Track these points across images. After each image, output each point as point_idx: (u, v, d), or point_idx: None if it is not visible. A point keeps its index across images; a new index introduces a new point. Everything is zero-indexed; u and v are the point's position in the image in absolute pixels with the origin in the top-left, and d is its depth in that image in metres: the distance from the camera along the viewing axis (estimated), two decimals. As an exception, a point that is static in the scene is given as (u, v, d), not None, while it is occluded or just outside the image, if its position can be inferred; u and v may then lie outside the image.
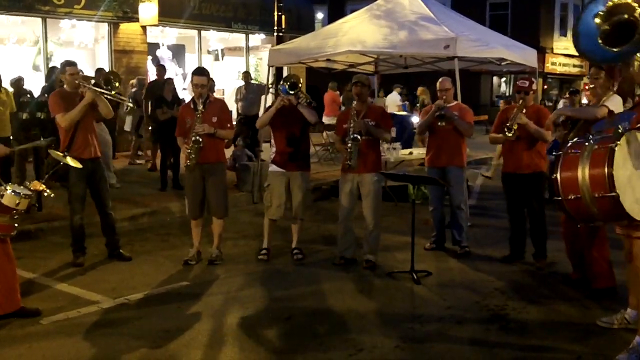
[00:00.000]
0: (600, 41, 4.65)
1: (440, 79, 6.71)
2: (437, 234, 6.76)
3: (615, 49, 4.52)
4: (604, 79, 5.14)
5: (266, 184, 6.54)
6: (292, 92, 6.07)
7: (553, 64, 28.65)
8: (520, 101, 5.92)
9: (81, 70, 6.26)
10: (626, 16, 4.58)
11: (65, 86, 6.11)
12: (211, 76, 12.67)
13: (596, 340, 4.37)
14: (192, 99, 6.18)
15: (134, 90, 12.25)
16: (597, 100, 5.27)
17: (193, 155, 5.93)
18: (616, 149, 3.68)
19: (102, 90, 6.00)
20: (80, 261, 6.12)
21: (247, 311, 4.98)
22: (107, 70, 12.45)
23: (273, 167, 6.43)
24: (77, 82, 5.94)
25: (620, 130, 3.77)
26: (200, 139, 5.88)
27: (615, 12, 4.65)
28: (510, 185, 6.20)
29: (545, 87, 26.10)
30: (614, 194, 3.65)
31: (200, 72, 6.24)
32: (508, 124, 5.87)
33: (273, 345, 4.34)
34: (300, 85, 6.15)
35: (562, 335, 4.49)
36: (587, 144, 3.91)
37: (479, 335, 4.52)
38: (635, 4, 4.55)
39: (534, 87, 6.16)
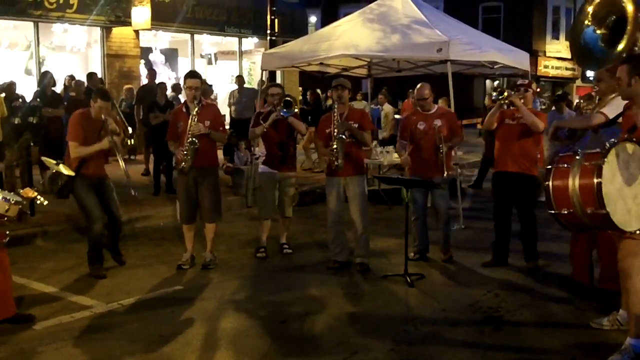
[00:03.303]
0: (603, 44, 4.66)
1: (418, 85, 6.47)
2: (420, 243, 6.52)
3: (613, 49, 4.53)
4: (607, 80, 4.94)
5: (257, 185, 6.70)
6: (291, 112, 6.41)
7: (545, 67, 28.79)
8: (521, 98, 5.93)
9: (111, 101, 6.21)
10: (614, 17, 4.61)
11: (92, 111, 5.89)
12: (204, 79, 12.72)
13: (589, 342, 4.39)
14: (184, 103, 6.20)
15: (122, 99, 12.27)
16: (602, 102, 5.06)
17: (189, 157, 5.92)
18: (604, 165, 3.69)
19: (117, 145, 5.90)
20: (101, 273, 5.91)
21: (241, 315, 4.98)
22: (99, 75, 12.41)
23: (264, 169, 6.67)
24: (102, 116, 5.80)
25: (607, 146, 3.77)
26: (197, 140, 5.89)
27: (602, 16, 4.68)
28: (501, 185, 6.17)
29: (538, 90, 26.20)
30: (604, 211, 3.68)
31: (193, 74, 6.29)
32: (502, 95, 5.92)
33: (267, 349, 4.33)
34: (294, 104, 6.52)
35: (556, 337, 4.50)
36: (577, 157, 3.92)
37: (473, 337, 4.53)
38: None
39: (533, 86, 6.22)
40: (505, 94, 5.91)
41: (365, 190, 6.27)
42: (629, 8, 4.51)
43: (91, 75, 11.15)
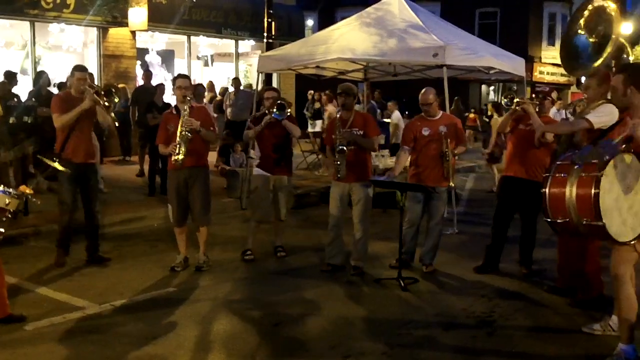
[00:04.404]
0: (592, 52, 4.72)
1: (422, 90, 6.25)
2: (406, 251, 6.21)
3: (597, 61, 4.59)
4: (595, 87, 4.95)
5: (252, 187, 6.74)
6: (284, 115, 6.33)
7: (541, 72, 28.86)
8: (537, 105, 5.90)
9: (90, 74, 6.40)
10: (601, 27, 4.68)
11: (72, 90, 6.20)
12: (200, 82, 12.72)
13: (581, 347, 4.40)
14: (175, 106, 6.23)
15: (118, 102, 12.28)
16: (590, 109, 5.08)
17: (183, 149, 5.89)
18: (602, 178, 3.70)
19: (99, 99, 6.02)
20: (62, 261, 6.21)
21: (235, 317, 4.97)
22: (95, 75, 12.40)
23: (258, 171, 6.66)
24: (82, 87, 6.05)
25: (606, 158, 3.76)
26: (190, 134, 5.89)
27: (592, 25, 4.75)
28: (508, 189, 6.13)
29: (533, 95, 26.33)
30: (600, 223, 3.70)
31: (183, 75, 6.52)
32: (512, 102, 5.90)
33: (260, 352, 4.33)
34: (287, 107, 6.46)
35: (548, 342, 4.51)
36: (575, 167, 3.92)
37: (466, 341, 4.54)
38: (608, 5, 4.59)
39: (553, 95, 6.19)
40: (516, 100, 5.89)
41: (370, 196, 6.17)
42: (614, 28, 4.58)
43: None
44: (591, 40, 4.79)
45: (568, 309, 5.17)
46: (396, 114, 13.66)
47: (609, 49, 4.61)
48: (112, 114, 6.41)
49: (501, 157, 11.69)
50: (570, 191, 3.86)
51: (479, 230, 7.96)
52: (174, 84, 6.26)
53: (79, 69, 6.24)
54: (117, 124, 6.66)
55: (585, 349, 4.36)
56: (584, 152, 4.22)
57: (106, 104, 6.12)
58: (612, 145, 4.03)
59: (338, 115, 6.18)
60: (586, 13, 4.86)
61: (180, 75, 6.44)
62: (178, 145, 5.88)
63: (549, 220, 4.02)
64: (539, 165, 5.92)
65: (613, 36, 4.65)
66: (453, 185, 6.66)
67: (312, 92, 17.86)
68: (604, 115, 4.57)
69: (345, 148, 5.93)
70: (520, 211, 6.17)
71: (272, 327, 4.77)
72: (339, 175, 6.01)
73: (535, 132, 5.76)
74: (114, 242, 7.12)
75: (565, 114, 7.34)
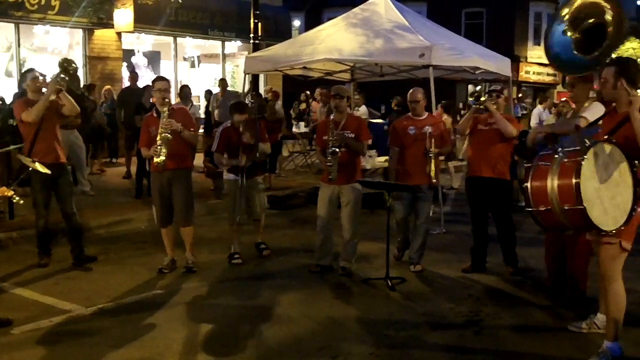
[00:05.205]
0: (575, 51, 4.73)
1: (411, 90, 6.41)
2: (402, 241, 6.54)
3: (590, 56, 4.59)
4: (581, 86, 5.01)
5: (224, 192, 6.70)
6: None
7: (527, 72, 29.08)
8: (494, 103, 5.97)
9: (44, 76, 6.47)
10: (592, 20, 4.66)
11: (29, 95, 6.20)
12: (186, 83, 12.68)
13: (568, 345, 4.44)
14: (155, 109, 6.20)
15: (102, 102, 12.23)
16: (578, 108, 5.14)
17: (164, 151, 5.84)
18: (583, 163, 3.75)
19: (60, 83, 6.10)
20: (44, 262, 6.26)
21: (222, 319, 4.96)
22: (80, 77, 12.31)
23: (230, 176, 6.61)
24: (38, 84, 6.12)
25: (587, 144, 3.82)
26: (170, 135, 5.86)
27: (579, 19, 4.73)
28: (474, 190, 6.17)
29: (520, 95, 26.47)
30: (581, 207, 3.73)
31: (161, 78, 6.55)
32: (478, 101, 6.05)
33: (248, 354, 4.32)
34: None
35: (535, 340, 4.54)
36: (556, 156, 3.96)
37: (453, 341, 4.56)
38: (602, 2, 4.60)
39: (505, 92, 6.30)
40: (483, 98, 5.99)
41: (360, 198, 6.16)
42: (610, 13, 4.54)
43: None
44: (572, 36, 4.76)
45: (554, 308, 5.21)
46: (363, 108, 13.71)
47: (610, 35, 4.52)
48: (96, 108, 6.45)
49: (454, 155, 11.83)
50: (552, 179, 3.90)
51: (466, 230, 7.94)
52: (153, 86, 6.24)
53: (29, 71, 6.39)
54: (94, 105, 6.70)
55: (572, 347, 4.39)
56: (566, 140, 4.27)
57: (65, 78, 6.29)
58: (592, 130, 4.09)
59: (331, 117, 6.18)
60: (575, 6, 4.78)
61: (158, 78, 6.46)
62: (159, 147, 5.85)
63: (530, 209, 4.05)
64: (502, 162, 6.05)
65: (610, 24, 4.54)
66: (436, 181, 6.68)
67: (307, 92, 17.80)
68: (597, 112, 4.60)
69: (337, 150, 5.93)
70: (491, 210, 6.21)
71: (260, 328, 4.77)
72: (330, 177, 6.00)
73: (498, 129, 5.89)
74: (101, 245, 7.09)
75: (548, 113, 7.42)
